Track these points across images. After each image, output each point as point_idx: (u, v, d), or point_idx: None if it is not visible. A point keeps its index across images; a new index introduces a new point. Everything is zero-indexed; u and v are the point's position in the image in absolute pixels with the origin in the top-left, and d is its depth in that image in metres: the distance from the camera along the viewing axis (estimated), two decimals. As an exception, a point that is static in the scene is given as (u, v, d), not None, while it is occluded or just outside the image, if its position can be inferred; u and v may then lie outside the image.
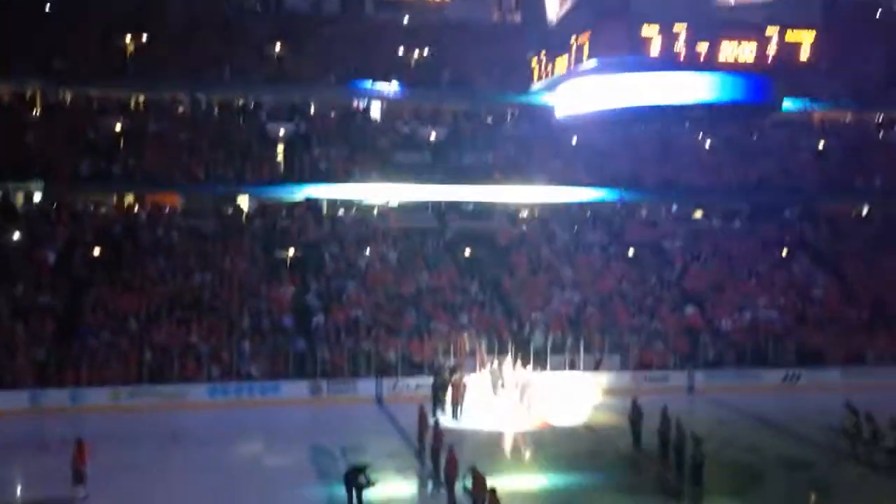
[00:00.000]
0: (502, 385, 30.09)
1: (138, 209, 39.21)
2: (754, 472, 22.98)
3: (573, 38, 26.82)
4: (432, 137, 44.22)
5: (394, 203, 41.88)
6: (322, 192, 40.13)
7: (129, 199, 39.80)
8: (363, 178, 40.39)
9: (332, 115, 44.35)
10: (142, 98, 42.80)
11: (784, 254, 41.42)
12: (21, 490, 20.60)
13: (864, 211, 45.93)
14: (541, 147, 43.70)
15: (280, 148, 41.74)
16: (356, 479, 18.37)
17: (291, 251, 36.99)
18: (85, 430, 20.28)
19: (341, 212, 41.09)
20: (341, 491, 19.05)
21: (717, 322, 35.81)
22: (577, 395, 30.54)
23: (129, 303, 31.70)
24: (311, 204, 40.31)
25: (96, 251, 35.03)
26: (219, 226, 38.17)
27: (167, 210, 39.16)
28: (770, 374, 33.13)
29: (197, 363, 29.46)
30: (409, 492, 20.76)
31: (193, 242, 36.42)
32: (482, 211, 42.39)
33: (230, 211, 40.04)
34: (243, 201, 40.60)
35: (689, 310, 36.27)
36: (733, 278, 39.04)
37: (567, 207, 42.86)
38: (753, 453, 24.42)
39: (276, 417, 27.38)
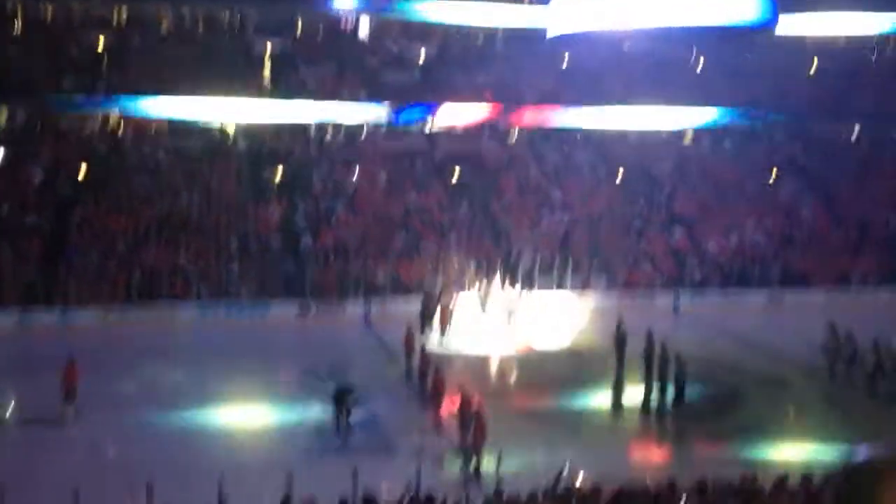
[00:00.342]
0: (490, 306, 30.34)
1: (123, 128, 38.66)
2: (737, 392, 23.43)
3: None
4: (421, 57, 43.51)
5: (382, 123, 41.43)
6: (308, 111, 39.56)
7: (114, 118, 39.19)
8: (351, 97, 39.83)
9: (320, 33, 43.47)
10: (125, 13, 41.77)
11: (773, 176, 41.38)
12: (11, 409, 20.82)
13: (855, 133, 45.73)
14: (531, 67, 43.04)
15: (267, 66, 41.01)
16: (343, 400, 18.60)
17: (279, 172, 36.73)
18: (74, 350, 20.39)
19: (329, 132, 40.65)
20: (329, 411, 19.36)
21: (703, 244, 36.00)
22: (564, 316, 30.86)
23: (117, 223, 31.59)
24: (298, 123, 39.81)
25: (82, 171, 34.68)
26: (205, 146, 37.75)
27: (153, 130, 38.63)
28: (755, 296, 33.50)
29: (186, 284, 29.54)
30: (396, 412, 21.07)
31: (180, 162, 36.11)
32: (471, 131, 41.99)
33: (216, 130, 39.53)
34: (230, 121, 40.05)
35: (677, 232, 36.41)
36: (721, 201, 39.09)
37: (557, 129, 42.50)
38: (736, 373, 24.85)
39: (264, 338, 27.56)
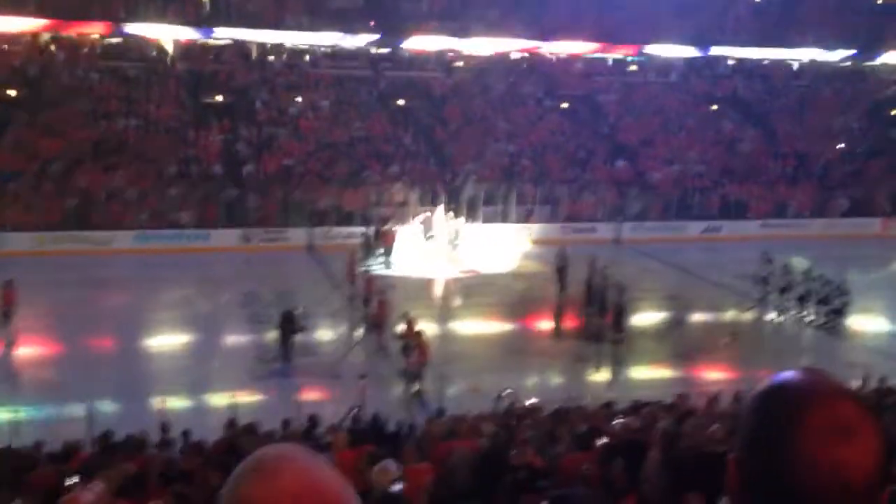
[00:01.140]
0: (434, 235, 30.42)
1: (55, 49, 37.15)
2: (673, 318, 24.03)
3: None
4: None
5: (326, 49, 40.59)
6: (250, 35, 38.53)
7: (45, 37, 37.60)
8: (293, 23, 38.82)
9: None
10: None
11: (714, 108, 41.83)
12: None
13: (796, 66, 46.32)
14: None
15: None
16: (288, 324, 18.60)
17: (220, 97, 35.83)
18: (8, 275, 19.90)
19: (271, 57, 39.68)
20: (271, 335, 19.35)
21: (646, 175, 36.41)
22: (508, 245, 31.12)
23: (51, 146, 30.57)
24: (239, 48, 38.78)
25: (12, 92, 33.36)
26: (142, 68, 36.56)
27: (86, 50, 37.23)
28: (694, 226, 34.16)
29: (124, 209, 28.90)
30: (340, 336, 21.15)
31: (116, 85, 34.93)
32: (416, 60, 41.42)
33: (153, 53, 38.28)
34: (167, 43, 38.79)
35: (620, 162, 36.73)
36: (664, 132, 39.43)
37: (503, 58, 42.15)
38: (673, 300, 25.45)
39: (206, 264, 27.24)
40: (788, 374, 1.42)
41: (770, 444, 1.35)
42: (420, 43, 40.46)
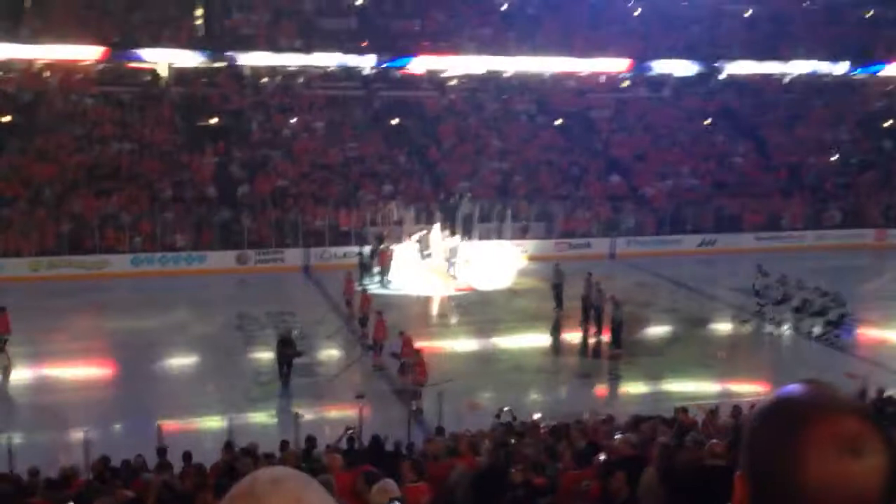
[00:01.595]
0: (429, 254, 30.44)
1: (49, 74, 37.23)
2: (670, 332, 24.05)
3: None
4: (358, 1, 42.73)
5: (319, 71, 40.73)
6: (244, 59, 38.67)
7: (39, 64, 37.70)
8: (287, 45, 39.01)
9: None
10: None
11: (707, 123, 42.01)
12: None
13: (787, 79, 46.57)
14: (469, 13, 42.69)
15: (199, 12, 39.84)
16: (285, 348, 18.43)
17: (214, 120, 35.92)
18: (4, 301, 19.85)
19: (265, 79, 39.80)
20: (269, 357, 19.30)
21: (639, 190, 36.52)
22: (503, 262, 31.13)
23: (44, 171, 30.60)
24: (233, 71, 38.92)
25: (6, 118, 33.40)
26: (136, 93, 36.65)
27: (80, 75, 37.32)
28: (688, 240, 34.22)
29: (118, 233, 28.89)
30: (338, 357, 21.10)
31: (110, 110, 35.00)
32: (410, 79, 41.58)
33: (147, 77, 38.40)
34: (161, 68, 38.90)
35: (614, 178, 36.84)
36: (657, 147, 39.58)
37: (496, 76, 42.35)
38: (669, 314, 25.48)
39: (202, 287, 27.21)
40: (792, 389, 1.40)
41: (777, 462, 1.33)
42: (413, 63, 40.59)
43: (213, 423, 16.48)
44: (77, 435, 14.23)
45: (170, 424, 15.28)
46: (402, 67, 40.77)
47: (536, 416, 14.57)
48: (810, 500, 1.29)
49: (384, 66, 40.33)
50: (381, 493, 6.28)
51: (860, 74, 45.66)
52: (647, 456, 8.78)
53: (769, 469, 1.34)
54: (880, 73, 45.37)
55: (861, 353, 21.87)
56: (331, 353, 21.18)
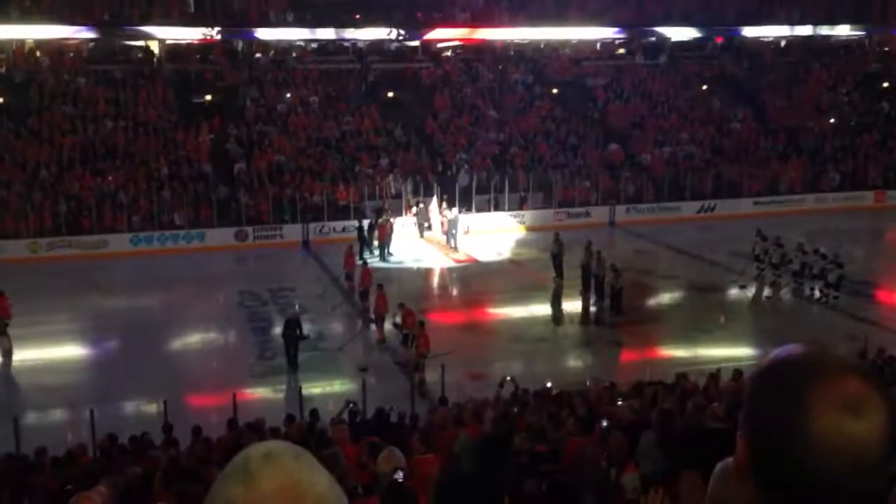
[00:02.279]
0: (428, 226, 30.43)
1: (40, 54, 36.96)
2: (670, 299, 24.10)
3: None
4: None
5: (313, 45, 40.45)
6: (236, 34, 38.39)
7: (30, 43, 37.42)
8: (279, 19, 38.70)
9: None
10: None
11: (704, 88, 41.80)
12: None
13: (783, 43, 46.29)
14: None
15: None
16: (291, 331, 18.23)
17: (208, 96, 35.71)
18: (4, 283, 19.86)
19: (258, 54, 39.54)
20: (272, 333, 19.33)
21: (638, 157, 36.41)
22: (502, 233, 31.14)
23: (39, 153, 30.48)
24: (226, 46, 38.64)
25: (-2, 101, 33.25)
26: (129, 70, 36.40)
27: (71, 55, 37.06)
28: (687, 206, 34.18)
29: (116, 213, 28.84)
30: (340, 330, 21.16)
31: (103, 89, 34.78)
32: (404, 51, 41.30)
33: (139, 55, 38.12)
34: (153, 45, 38.62)
35: (612, 146, 36.71)
36: (654, 114, 39.40)
37: (490, 46, 42.07)
38: (670, 280, 25.52)
39: (202, 264, 27.21)
40: (792, 349, 1.40)
41: (778, 422, 1.33)
42: (408, 34, 40.25)
43: (218, 399, 16.55)
44: (83, 414, 14.29)
45: (175, 401, 15.35)
46: (396, 39, 40.46)
47: (548, 383, 14.62)
48: (812, 459, 1.30)
49: (378, 38, 40.03)
50: (387, 461, 6.31)
51: (857, 36, 45.38)
52: (649, 421, 8.84)
53: (770, 429, 1.35)
54: (877, 35, 45.07)
55: (861, 314, 21.94)
56: (332, 328, 21.22)
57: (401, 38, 40.18)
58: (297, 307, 19.97)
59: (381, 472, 6.31)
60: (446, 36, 41.08)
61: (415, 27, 40.13)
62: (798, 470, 1.31)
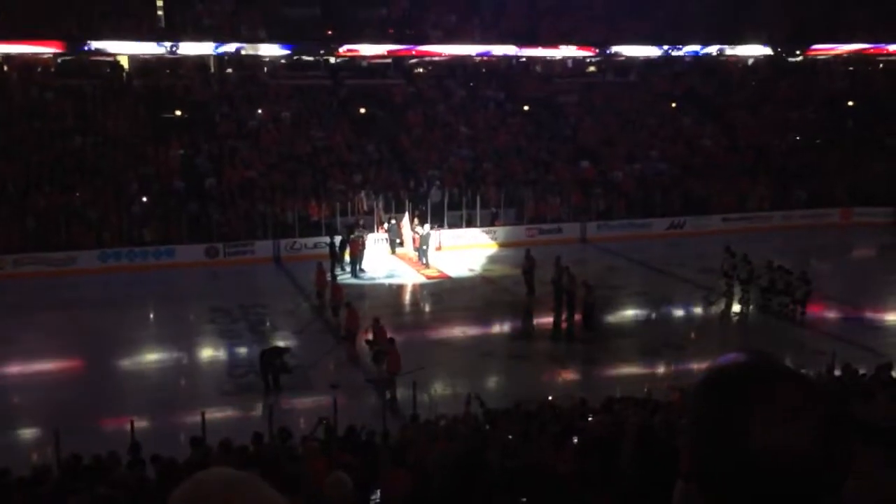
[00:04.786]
0: (400, 242, 30.40)
1: (8, 68, 36.56)
2: (641, 314, 24.24)
3: None
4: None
5: (285, 60, 40.40)
6: (207, 49, 38.21)
7: (-3, 58, 37.05)
8: (251, 35, 38.62)
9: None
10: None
11: (673, 106, 42.27)
12: None
13: (751, 62, 46.98)
14: (435, 1, 42.54)
15: (160, 2, 39.28)
16: (273, 360, 17.80)
17: (178, 112, 35.49)
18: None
19: (230, 70, 39.41)
20: (242, 351, 19.14)
21: (609, 174, 36.69)
22: (475, 248, 31.19)
23: (6, 168, 30.08)
24: (197, 62, 38.46)
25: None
26: (98, 85, 36.10)
27: (40, 69, 36.69)
28: (657, 223, 34.48)
29: (85, 229, 28.50)
30: (311, 347, 20.99)
31: (72, 103, 34.45)
32: (376, 68, 41.38)
33: (108, 69, 37.83)
34: (123, 59, 38.36)
35: (583, 163, 36.98)
36: (625, 131, 39.76)
37: (462, 63, 42.27)
38: (641, 297, 25.68)
39: (172, 281, 26.95)
40: (731, 358, 1.44)
41: (717, 429, 1.37)
42: (379, 50, 40.33)
43: (187, 417, 16.33)
44: (48, 433, 14.03)
45: (142, 420, 15.14)
46: (368, 56, 40.52)
47: (508, 402, 14.64)
48: (754, 465, 1.33)
49: (350, 54, 40.06)
50: (335, 486, 6.23)
51: (821, 55, 46.18)
52: (621, 437, 8.86)
53: (710, 436, 1.38)
54: (841, 53, 45.87)
55: (827, 329, 22.20)
56: (303, 345, 21.06)
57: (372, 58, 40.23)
58: (268, 324, 19.83)
59: (330, 494, 6.20)
60: (418, 52, 41.18)
61: (385, 43, 40.18)
62: (737, 475, 1.35)
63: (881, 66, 46.92)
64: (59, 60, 37.40)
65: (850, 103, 43.33)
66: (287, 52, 39.35)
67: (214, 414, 15.92)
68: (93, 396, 17.62)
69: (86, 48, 36.32)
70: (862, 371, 15.07)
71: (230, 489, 1.24)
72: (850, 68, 46.59)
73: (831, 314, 23.93)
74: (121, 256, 28.37)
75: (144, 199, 30.14)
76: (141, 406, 16.63)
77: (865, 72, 46.27)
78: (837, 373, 14.75)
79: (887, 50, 45.72)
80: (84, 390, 18.18)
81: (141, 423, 14.49)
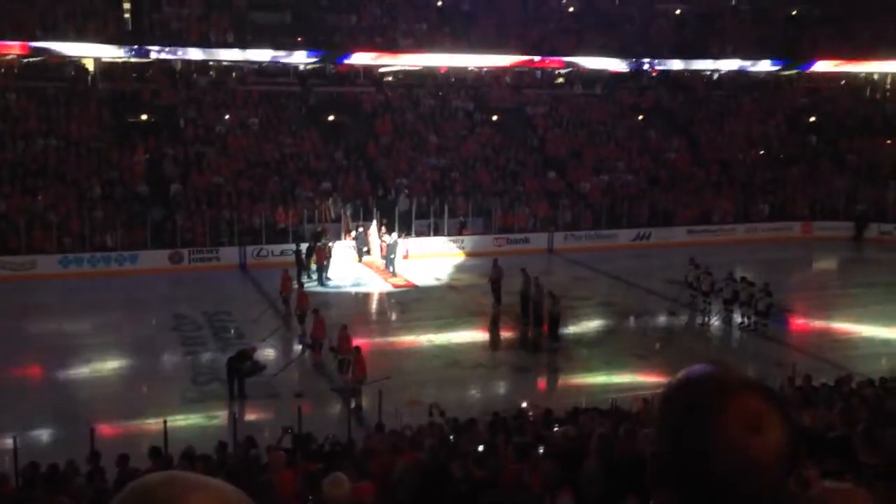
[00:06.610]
0: (367, 250, 30.32)
1: (-30, 70, 35.96)
2: (607, 325, 24.40)
3: None
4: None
5: (253, 66, 40.15)
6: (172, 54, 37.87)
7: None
8: (219, 40, 38.35)
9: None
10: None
11: (640, 119, 42.70)
12: None
13: (716, 76, 47.61)
14: (405, 9, 42.61)
15: (127, 5, 38.87)
16: (240, 366, 17.61)
17: (144, 116, 35.10)
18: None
19: (196, 74, 39.05)
20: (206, 358, 18.94)
21: (576, 186, 36.93)
22: (442, 258, 31.19)
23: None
24: (164, 66, 38.09)
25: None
26: (62, 88, 35.58)
27: (2, 70, 36.10)
28: (624, 234, 34.77)
29: (46, 233, 28.06)
30: (276, 355, 20.84)
31: (35, 105, 33.93)
32: (345, 75, 41.28)
33: (73, 72, 37.31)
34: (88, 62, 37.85)
35: (550, 174, 37.20)
36: (592, 143, 40.07)
37: (432, 72, 42.34)
38: (606, 307, 25.85)
39: (134, 287, 26.57)
40: (696, 369, 1.45)
41: (684, 442, 1.38)
42: (349, 58, 40.24)
43: (149, 425, 16.12)
44: (5, 441, 13.78)
45: (103, 429, 14.91)
46: (337, 63, 40.42)
47: (474, 411, 14.65)
48: (716, 476, 1.35)
49: (319, 61, 39.94)
50: (335, 485, 6.22)
51: (786, 72, 46.94)
52: (586, 448, 8.90)
53: (675, 446, 1.40)
54: (805, 71, 46.65)
55: (789, 341, 22.51)
56: (269, 353, 20.89)
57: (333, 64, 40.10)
58: (233, 332, 19.65)
59: (330, 496, 6.20)
60: (388, 61, 41.15)
61: (355, 51, 40.08)
62: (700, 485, 1.37)
63: (843, 82, 47.78)
64: (22, 62, 36.78)
65: (812, 119, 44.08)
66: (256, 58, 39.08)
67: (178, 422, 15.73)
68: (52, 404, 17.32)
69: (49, 50, 35.77)
70: (823, 380, 15.34)
71: (170, 485, 1.21)
72: (813, 85, 47.39)
73: (792, 326, 24.27)
74: (83, 262, 27.96)
75: (107, 202, 29.72)
76: (102, 414, 16.37)
77: (828, 88, 47.10)
78: (799, 383, 14.96)
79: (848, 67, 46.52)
80: (43, 397, 17.88)
81: (101, 432, 14.26)
